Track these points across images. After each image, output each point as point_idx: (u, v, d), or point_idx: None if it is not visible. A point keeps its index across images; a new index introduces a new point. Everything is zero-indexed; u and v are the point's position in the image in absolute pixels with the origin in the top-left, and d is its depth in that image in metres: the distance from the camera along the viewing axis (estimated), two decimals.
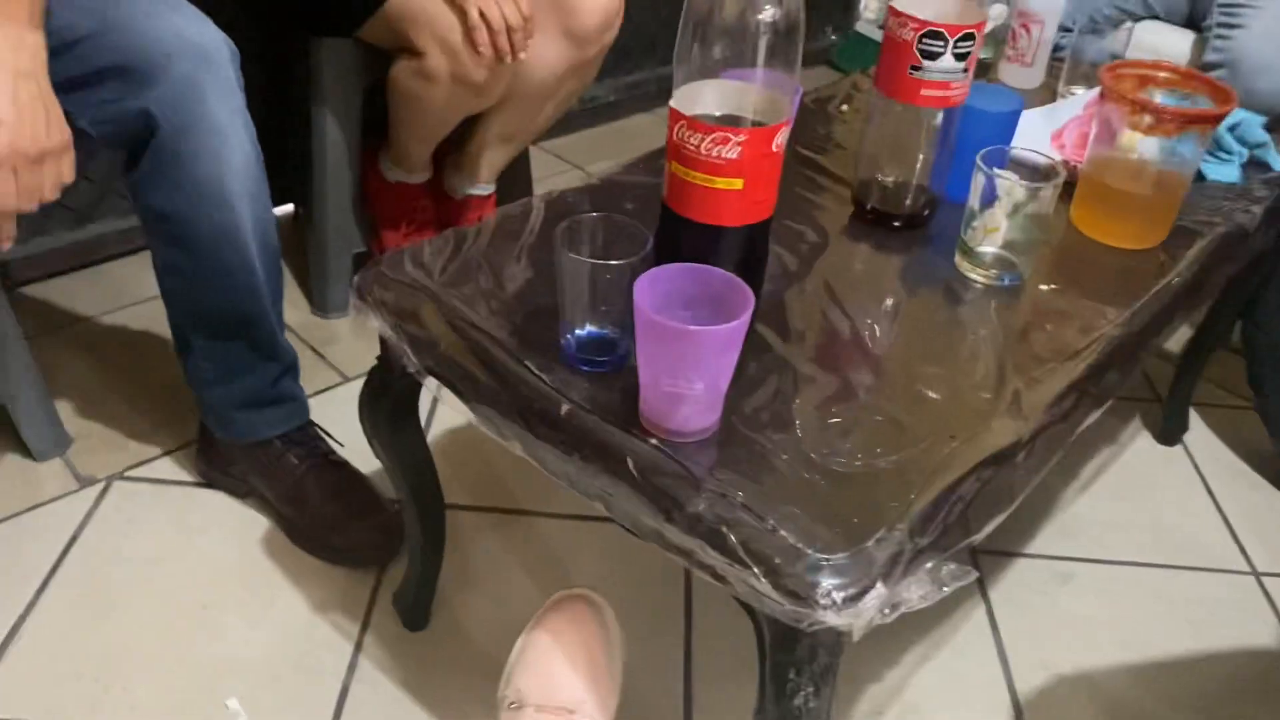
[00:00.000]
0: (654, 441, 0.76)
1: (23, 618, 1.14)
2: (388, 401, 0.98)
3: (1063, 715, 1.14)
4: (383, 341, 0.92)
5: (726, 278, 0.73)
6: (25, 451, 1.33)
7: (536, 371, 0.82)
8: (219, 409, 1.24)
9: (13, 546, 1.22)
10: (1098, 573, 1.31)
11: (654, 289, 0.72)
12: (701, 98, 0.75)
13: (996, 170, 0.93)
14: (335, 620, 1.17)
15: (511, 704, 0.86)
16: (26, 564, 1.20)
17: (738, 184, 0.75)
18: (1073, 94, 1.34)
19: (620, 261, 0.75)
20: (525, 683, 0.86)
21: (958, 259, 0.99)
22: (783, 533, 0.69)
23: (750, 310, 0.70)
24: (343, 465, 1.27)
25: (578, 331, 0.82)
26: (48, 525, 1.25)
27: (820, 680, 0.74)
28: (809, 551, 0.68)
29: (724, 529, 0.70)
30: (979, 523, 0.81)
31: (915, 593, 0.72)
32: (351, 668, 1.12)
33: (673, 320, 0.69)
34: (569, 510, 1.33)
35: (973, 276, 0.97)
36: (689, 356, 0.70)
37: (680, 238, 0.79)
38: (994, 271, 0.97)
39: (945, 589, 0.73)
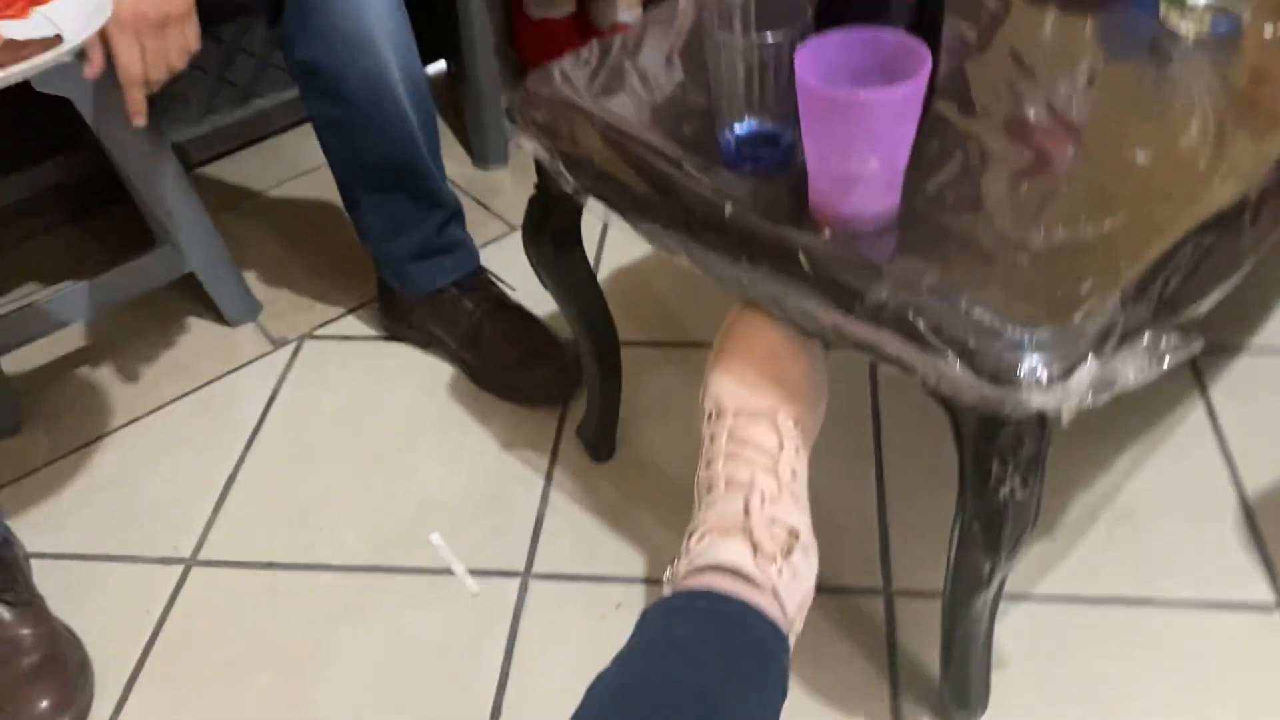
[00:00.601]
0: (827, 232, 0.71)
1: (235, 470, 1.21)
2: (550, 228, 0.96)
3: None
4: (538, 164, 0.90)
5: (897, 38, 0.66)
6: (220, 319, 1.39)
7: (696, 174, 0.77)
8: (393, 262, 1.26)
9: (219, 406, 1.29)
10: None
11: (816, 58, 0.65)
12: None
13: None
14: (524, 456, 1.19)
15: (710, 414, 0.80)
16: (233, 422, 1.27)
17: None
18: None
19: (778, 32, 0.68)
20: (720, 390, 0.80)
21: (1163, 10, 0.87)
22: (978, 312, 0.64)
23: (927, 69, 0.63)
24: (516, 308, 1.27)
25: (737, 127, 0.77)
26: (248, 385, 1.32)
27: (1027, 471, 0.69)
28: (1008, 328, 0.62)
29: (911, 315, 0.65)
30: (1200, 296, 0.72)
31: (1130, 368, 0.65)
32: (544, 499, 1.14)
33: (840, 88, 0.63)
34: None
35: (1182, 28, 0.86)
36: (861, 128, 0.64)
37: (843, 5, 0.72)
38: (1207, 20, 0.85)
39: (1165, 363, 0.66)
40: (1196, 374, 1.19)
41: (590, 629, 1.01)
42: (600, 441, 1.17)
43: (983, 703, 0.92)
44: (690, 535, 0.73)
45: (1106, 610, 0.99)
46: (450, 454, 1.20)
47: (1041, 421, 0.67)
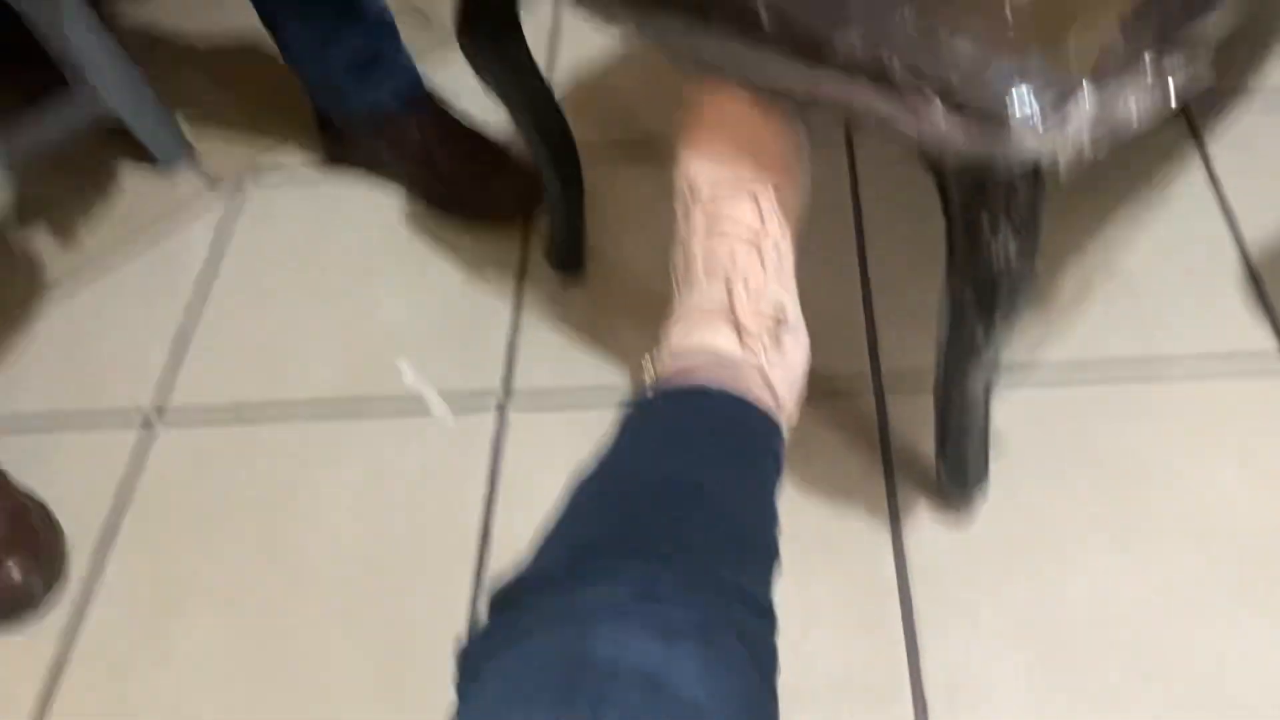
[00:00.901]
0: None
1: (191, 319, 1.15)
2: (485, 17, 0.87)
3: None
4: None
5: None
6: (153, 164, 1.30)
7: None
8: (325, 84, 1.16)
9: (165, 254, 1.22)
10: None
11: None
12: None
13: None
14: (490, 279, 1.13)
15: (684, 193, 0.74)
16: (182, 269, 1.20)
17: None
18: None
19: None
20: (694, 166, 0.73)
21: None
22: (959, 45, 0.56)
23: None
24: (468, 127, 1.18)
25: None
26: (192, 230, 1.24)
27: (1023, 228, 0.63)
28: (995, 60, 0.56)
29: (886, 58, 0.58)
30: (1207, 13, 0.65)
31: (1134, 102, 0.58)
32: (514, 322, 1.09)
33: None
34: None
35: None
36: None
37: None
38: None
39: (1173, 96, 0.59)
40: (1190, 126, 1.12)
41: (574, 446, 0.97)
42: (568, 256, 1.11)
43: (981, 482, 0.89)
44: (670, 322, 0.68)
45: (1108, 382, 0.95)
46: (412, 282, 1.14)
47: (1035, 169, 0.61)
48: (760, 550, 0.57)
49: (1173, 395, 0.94)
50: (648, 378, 0.66)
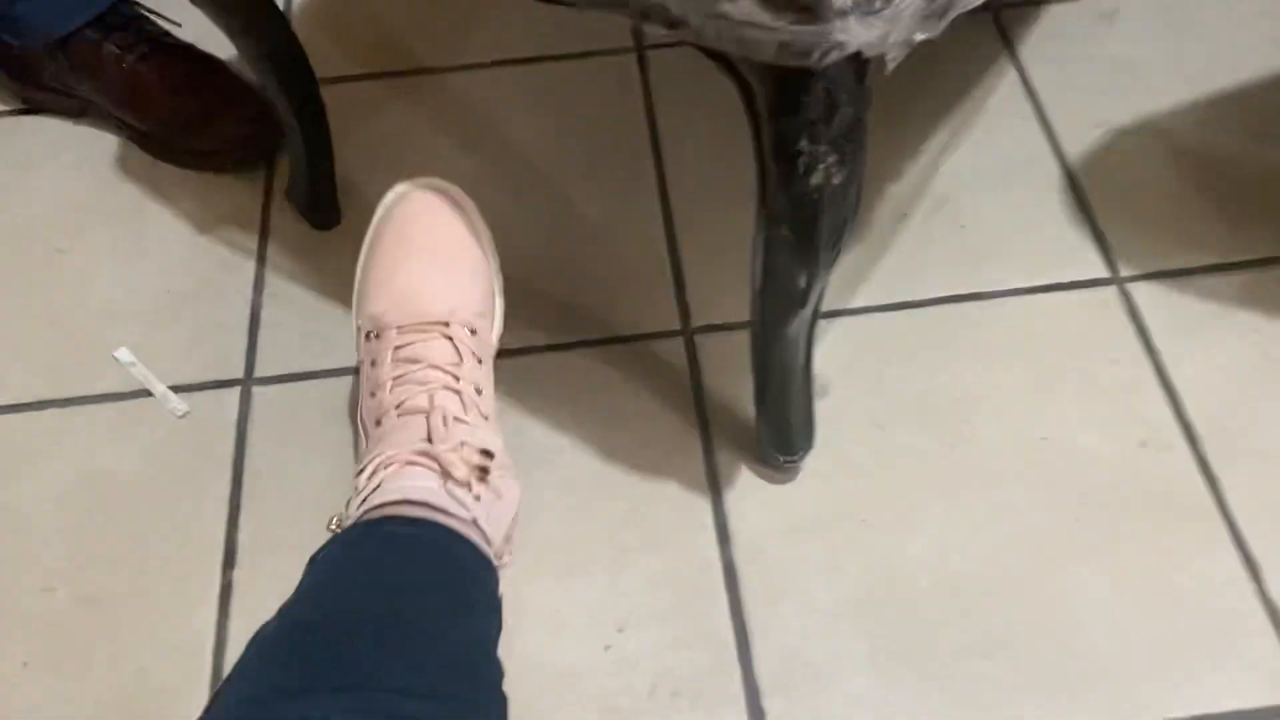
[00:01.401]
0: None
1: None
2: None
3: (1125, 172, 0.94)
4: None
5: None
6: None
7: None
8: None
9: None
10: (1147, 4, 1.06)
11: None
12: None
13: None
14: (226, 237, 0.95)
15: (369, 332, 0.70)
16: None
17: None
18: None
19: None
20: (380, 303, 0.70)
21: None
22: None
23: None
24: (184, 49, 0.99)
25: None
26: None
27: (844, 143, 0.52)
28: None
29: None
30: None
31: None
32: (258, 286, 0.92)
33: None
34: (486, 58, 1.07)
35: None
36: None
37: None
38: None
39: None
40: (1003, 35, 1.05)
41: (335, 435, 0.82)
42: (317, 203, 0.94)
43: (806, 440, 0.79)
44: (362, 472, 0.61)
45: (933, 312, 0.87)
46: (129, 248, 0.95)
47: (860, 72, 0.49)
48: (481, 688, 0.52)
49: (1002, 325, 0.86)
50: (338, 529, 0.61)
